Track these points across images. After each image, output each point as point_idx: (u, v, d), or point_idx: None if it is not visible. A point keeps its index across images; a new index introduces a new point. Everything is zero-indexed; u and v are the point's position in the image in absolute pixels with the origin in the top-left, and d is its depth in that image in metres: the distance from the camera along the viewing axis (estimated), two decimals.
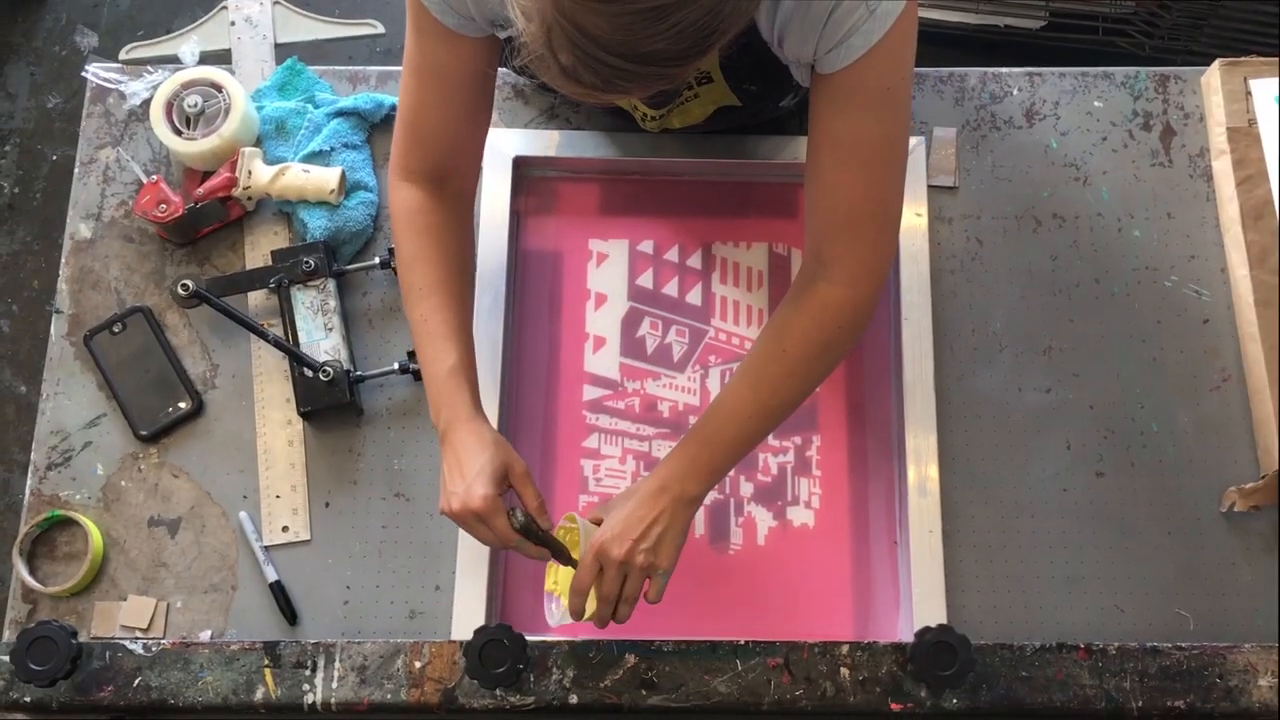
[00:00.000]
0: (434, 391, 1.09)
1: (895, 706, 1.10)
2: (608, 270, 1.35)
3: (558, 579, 1.11)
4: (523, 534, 1.04)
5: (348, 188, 1.32)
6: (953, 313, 1.30)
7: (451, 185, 1.14)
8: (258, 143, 1.35)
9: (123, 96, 1.39)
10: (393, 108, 1.36)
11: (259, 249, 1.33)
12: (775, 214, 1.37)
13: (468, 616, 1.19)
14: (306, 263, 1.27)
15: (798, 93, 1.25)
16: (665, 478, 1.06)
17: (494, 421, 1.24)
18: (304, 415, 1.25)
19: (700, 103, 1.24)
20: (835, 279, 1.05)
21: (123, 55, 1.44)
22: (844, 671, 1.11)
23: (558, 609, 1.09)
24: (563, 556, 1.08)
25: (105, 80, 1.40)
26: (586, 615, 1.07)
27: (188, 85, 1.34)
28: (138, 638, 1.18)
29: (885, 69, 0.98)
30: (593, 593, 1.06)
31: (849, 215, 1.04)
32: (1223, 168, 1.33)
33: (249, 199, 1.32)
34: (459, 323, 1.11)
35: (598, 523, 1.08)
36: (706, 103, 1.24)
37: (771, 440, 1.28)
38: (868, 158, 1.02)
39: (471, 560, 1.21)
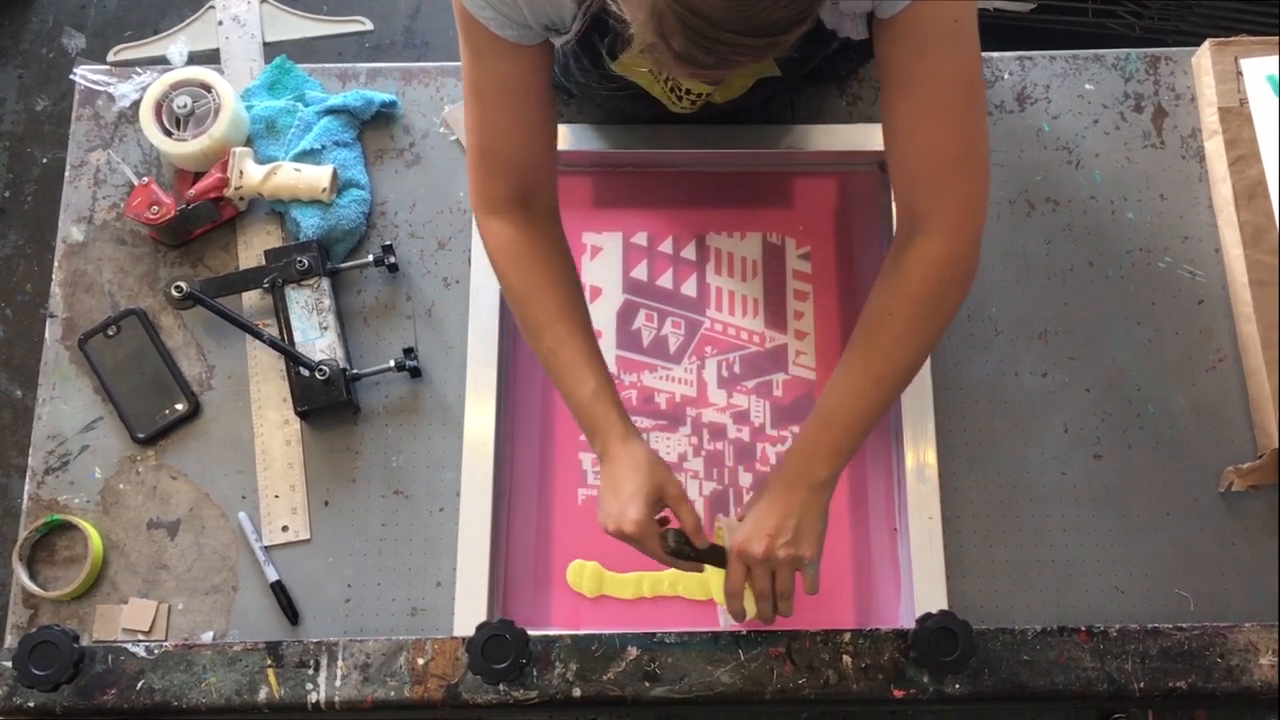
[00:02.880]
0: (582, 418, 1.09)
1: (898, 693, 1.10)
2: (602, 263, 1.35)
3: (717, 586, 1.11)
4: (675, 555, 1.06)
5: (340, 186, 1.32)
6: None
7: (538, 204, 1.11)
8: (248, 142, 1.35)
9: (111, 99, 1.38)
10: (383, 104, 1.36)
11: (252, 249, 1.33)
12: (769, 204, 1.37)
13: (469, 612, 1.19)
14: (300, 262, 1.27)
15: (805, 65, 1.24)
16: (792, 468, 1.05)
17: (492, 417, 1.25)
18: (301, 414, 1.24)
19: (742, 75, 1.22)
20: (932, 231, 1.02)
21: (111, 57, 1.43)
22: (846, 659, 1.11)
23: (724, 612, 1.10)
24: (721, 564, 1.08)
25: (93, 83, 1.39)
26: (750, 615, 1.07)
27: (177, 86, 1.33)
28: (140, 640, 1.18)
29: (947, 1, 0.96)
30: (748, 593, 1.06)
31: (936, 161, 1.01)
32: (1215, 148, 1.33)
33: (241, 199, 1.32)
34: (588, 347, 1.09)
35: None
36: (748, 74, 1.22)
37: (770, 430, 1.29)
38: (945, 97, 0.99)
39: (472, 556, 1.21)
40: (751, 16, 0.78)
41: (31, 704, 1.11)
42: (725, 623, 1.11)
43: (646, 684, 1.11)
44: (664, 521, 1.07)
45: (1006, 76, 1.39)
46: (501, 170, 1.09)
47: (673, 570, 1.23)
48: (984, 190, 1.04)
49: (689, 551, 1.06)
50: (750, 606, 1.07)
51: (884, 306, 1.04)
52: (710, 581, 1.12)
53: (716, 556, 1.08)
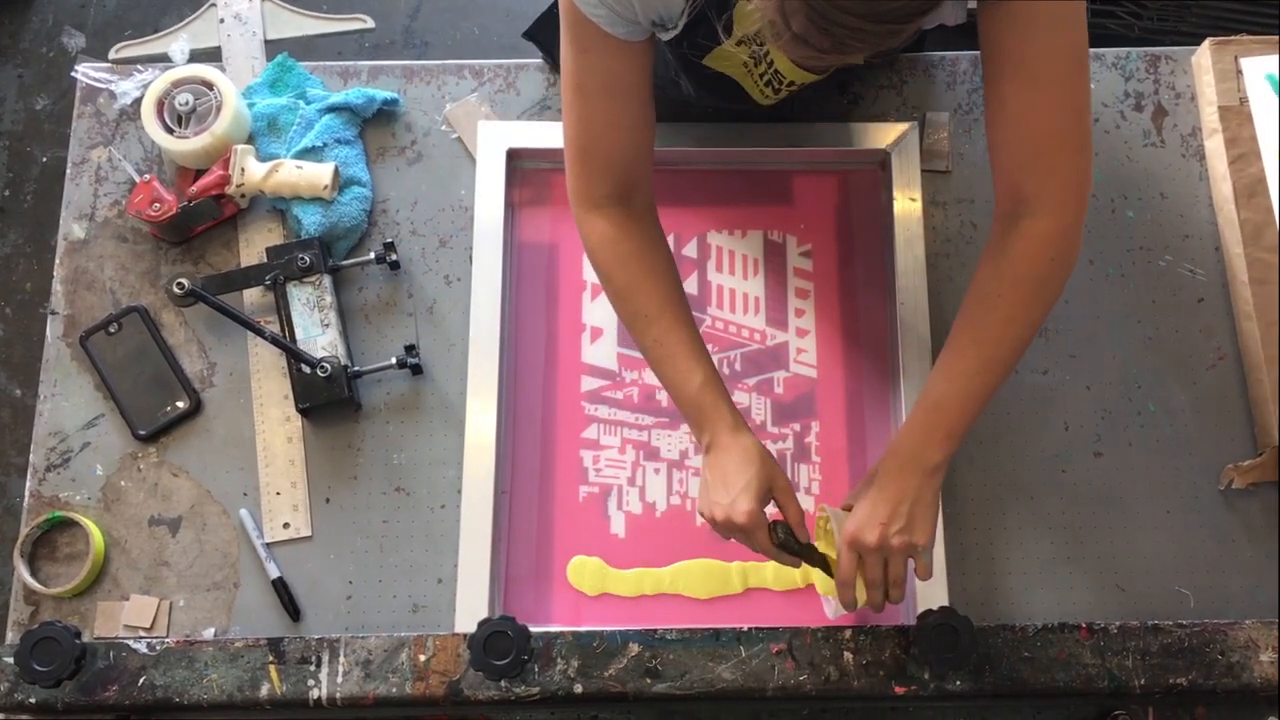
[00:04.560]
0: (689, 409, 1.09)
1: (899, 690, 1.10)
2: None
3: (821, 579, 1.12)
4: (781, 549, 1.06)
5: (341, 183, 1.32)
6: (948, 297, 1.30)
7: (638, 199, 1.12)
8: (250, 140, 1.35)
9: (113, 96, 1.38)
10: (385, 102, 1.36)
11: (253, 246, 1.33)
12: (770, 202, 1.37)
13: (471, 609, 1.19)
14: (302, 259, 1.27)
15: None
16: (903, 453, 1.05)
17: (493, 415, 1.25)
18: (302, 412, 1.25)
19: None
20: (1039, 211, 1.02)
21: (112, 55, 1.43)
22: (847, 656, 1.11)
23: (832, 604, 1.11)
24: (819, 562, 1.09)
25: (95, 80, 1.39)
26: (860, 603, 1.07)
27: (178, 83, 1.33)
28: (141, 637, 1.18)
29: None
30: (860, 581, 1.06)
31: (1046, 140, 1.01)
32: (1215, 147, 1.33)
33: (242, 196, 1.32)
34: (694, 338, 1.10)
35: (849, 509, 1.09)
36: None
37: (770, 428, 1.29)
38: (1058, 75, 0.99)
39: (473, 553, 1.21)
40: (877, 3, 0.79)
41: (33, 700, 1.11)
42: (833, 613, 1.11)
43: (648, 680, 1.11)
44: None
45: None
46: (603, 168, 1.10)
47: (674, 568, 1.24)
48: (1090, 167, 1.04)
49: (795, 546, 1.07)
50: (861, 594, 1.07)
51: (992, 289, 1.04)
52: (810, 572, 1.13)
53: (816, 557, 1.08)
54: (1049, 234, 1.02)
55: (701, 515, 1.09)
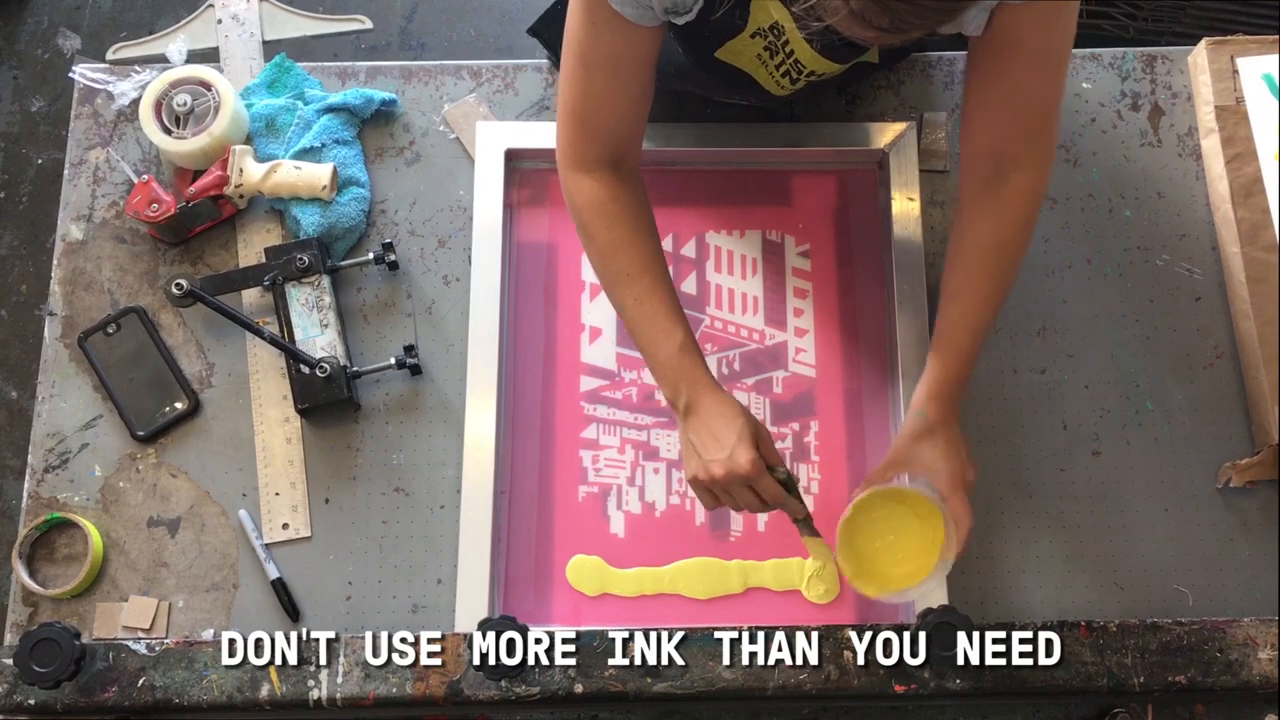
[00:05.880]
0: (667, 370, 1.11)
1: (899, 689, 1.10)
2: None
3: (874, 581, 1.13)
4: (785, 487, 1.09)
5: (340, 184, 1.32)
6: None
7: (627, 165, 1.14)
8: (248, 140, 1.35)
9: (111, 97, 1.38)
10: (383, 102, 1.36)
11: (252, 247, 1.33)
12: (768, 202, 1.37)
13: (471, 609, 1.19)
14: (300, 259, 1.27)
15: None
16: (945, 401, 1.11)
17: (492, 415, 1.25)
18: (301, 412, 1.24)
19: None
20: (1027, 166, 1.10)
21: (110, 55, 1.43)
22: (847, 655, 1.11)
23: (906, 593, 1.13)
24: (809, 521, 1.13)
25: (93, 81, 1.39)
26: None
27: (176, 84, 1.33)
28: (140, 638, 1.17)
29: None
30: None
31: (1039, 111, 1.09)
32: (1211, 146, 1.34)
33: (241, 197, 1.32)
34: (674, 301, 1.12)
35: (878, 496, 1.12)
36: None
37: (769, 427, 1.29)
38: (1056, 56, 1.07)
39: (473, 553, 1.21)
40: None
41: (32, 701, 1.10)
42: (916, 595, 1.14)
43: (648, 680, 1.11)
44: None
45: None
46: (596, 135, 1.12)
47: (674, 567, 1.24)
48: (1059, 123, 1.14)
49: (795, 488, 1.10)
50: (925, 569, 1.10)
51: (1000, 238, 1.11)
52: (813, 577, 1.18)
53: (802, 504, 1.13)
54: (1038, 186, 1.12)
55: (694, 480, 1.10)
